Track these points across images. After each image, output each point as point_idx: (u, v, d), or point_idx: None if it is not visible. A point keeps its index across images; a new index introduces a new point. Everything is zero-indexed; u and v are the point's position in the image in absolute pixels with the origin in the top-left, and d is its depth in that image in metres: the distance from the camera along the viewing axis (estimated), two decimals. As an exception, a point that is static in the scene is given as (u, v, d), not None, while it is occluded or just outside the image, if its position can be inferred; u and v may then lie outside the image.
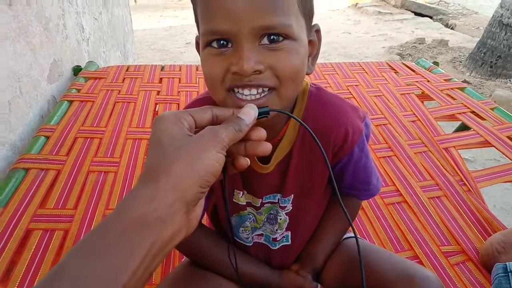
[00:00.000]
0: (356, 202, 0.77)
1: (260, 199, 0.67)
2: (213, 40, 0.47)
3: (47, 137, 1.30)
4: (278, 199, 0.67)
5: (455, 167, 1.27)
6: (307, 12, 0.52)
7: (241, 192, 0.66)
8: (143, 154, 1.28)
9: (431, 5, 6.44)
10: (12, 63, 1.31)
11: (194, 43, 0.57)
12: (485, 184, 1.22)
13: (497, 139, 1.39)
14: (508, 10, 3.37)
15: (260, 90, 0.48)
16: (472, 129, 1.46)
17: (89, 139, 1.32)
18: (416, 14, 6.21)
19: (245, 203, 0.68)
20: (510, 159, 1.30)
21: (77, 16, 1.94)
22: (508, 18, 3.37)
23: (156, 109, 1.55)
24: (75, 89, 1.59)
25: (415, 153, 1.34)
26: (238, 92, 0.48)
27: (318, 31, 0.56)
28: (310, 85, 0.63)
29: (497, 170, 1.26)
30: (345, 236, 0.79)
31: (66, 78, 1.75)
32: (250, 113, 0.45)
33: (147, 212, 0.35)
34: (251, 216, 0.70)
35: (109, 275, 0.32)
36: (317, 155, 0.62)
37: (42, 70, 1.53)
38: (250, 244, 0.73)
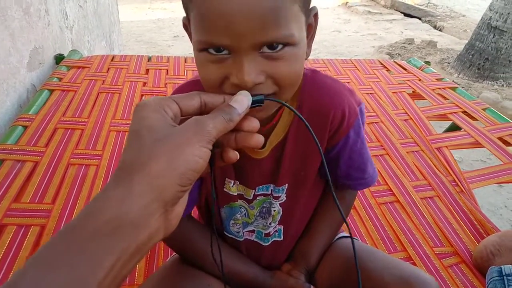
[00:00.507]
0: (351, 195, 0.74)
1: (253, 190, 0.64)
2: (205, 48, 0.44)
3: (25, 127, 1.23)
4: (272, 190, 0.64)
5: (448, 167, 1.25)
6: (307, 6, 0.48)
7: (232, 181, 0.63)
8: (127, 147, 1.22)
9: (420, 7, 6.48)
10: (-12, 47, 1.23)
11: (182, 27, 0.52)
12: (477, 185, 1.20)
13: (488, 140, 1.38)
14: (497, 13, 3.40)
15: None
16: (463, 130, 1.44)
17: (70, 130, 1.25)
18: (405, 15, 6.24)
19: (236, 194, 0.64)
20: (501, 161, 1.29)
21: (60, 2, 1.86)
22: (497, 21, 3.39)
23: (142, 101, 1.49)
24: (57, 77, 1.52)
25: (408, 152, 1.31)
26: None
27: (316, 15, 0.52)
28: (305, 69, 0.60)
29: (490, 171, 1.25)
30: (338, 236, 0.76)
31: (47, 66, 1.67)
32: (243, 101, 0.41)
33: (119, 215, 0.31)
34: (242, 210, 0.66)
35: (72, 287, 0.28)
36: (312, 140, 0.59)
37: (21, 57, 1.45)
38: (241, 240, 0.69)
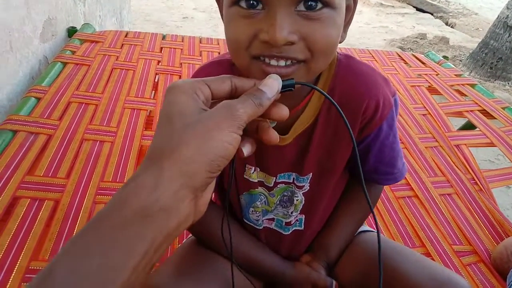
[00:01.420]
0: (378, 189, 0.71)
1: (274, 178, 0.61)
2: None
3: (38, 99, 1.19)
4: (294, 178, 0.61)
5: (467, 165, 1.23)
6: None
7: (253, 168, 0.60)
8: (141, 126, 1.19)
9: (432, 2, 6.39)
10: (3, 14, 1.19)
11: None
12: (496, 184, 1.18)
13: (502, 141, 1.35)
14: (514, 12, 3.34)
15: (289, 62, 0.43)
16: (477, 129, 1.42)
17: (84, 104, 1.22)
18: (418, 9, 6.16)
19: (256, 181, 0.62)
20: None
21: (75, -27, 1.81)
22: (514, 20, 3.34)
23: (156, 80, 1.45)
24: (70, 50, 1.48)
25: (426, 148, 1.29)
26: (265, 60, 0.43)
27: None
28: (338, 53, 0.57)
29: (510, 171, 1.22)
30: (362, 229, 0.74)
31: (59, 39, 1.63)
32: (273, 85, 0.38)
33: (150, 203, 0.30)
34: (262, 197, 0.64)
35: (105, 276, 0.28)
36: (342, 129, 0.56)
37: (35, 27, 1.41)
38: (260, 228, 0.67)
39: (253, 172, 0.61)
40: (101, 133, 1.13)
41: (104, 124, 1.16)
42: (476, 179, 1.18)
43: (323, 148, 0.59)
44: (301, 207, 0.65)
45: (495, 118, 1.48)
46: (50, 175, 0.96)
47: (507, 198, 2.14)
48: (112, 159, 1.05)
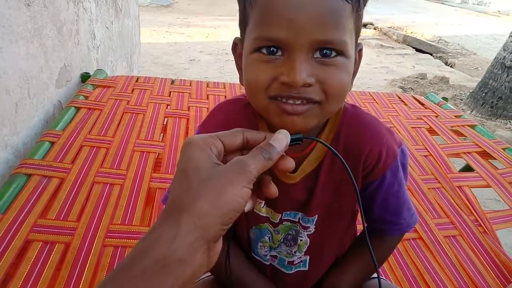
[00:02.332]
0: (390, 240, 0.70)
1: (280, 215, 0.63)
2: (264, 46, 0.46)
3: (52, 143, 1.24)
4: (299, 218, 0.63)
5: (470, 206, 1.24)
6: (358, 31, 0.51)
7: (263, 202, 0.62)
8: (150, 168, 1.23)
9: (431, 43, 6.59)
10: (23, 63, 1.26)
11: (232, 47, 0.57)
12: (500, 226, 1.19)
13: (499, 184, 1.36)
14: (511, 53, 3.44)
15: (304, 102, 0.47)
16: (475, 171, 1.43)
17: (95, 148, 1.27)
18: (417, 50, 6.34)
19: (265, 215, 0.64)
20: (510, 206, 1.26)
21: (90, 23, 1.92)
22: (511, 61, 3.43)
23: (165, 122, 1.51)
24: (83, 95, 1.55)
25: (429, 189, 1.31)
26: (282, 99, 0.47)
27: (360, 51, 0.54)
28: (345, 103, 0.61)
29: (512, 212, 1.23)
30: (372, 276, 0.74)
31: (73, 84, 1.71)
32: (282, 140, 0.42)
33: (168, 254, 0.34)
34: (268, 233, 0.66)
35: None
36: (347, 174, 0.59)
37: (51, 74, 1.49)
38: (267, 263, 0.68)
39: (262, 206, 0.63)
40: (111, 176, 1.16)
41: (115, 167, 1.20)
42: (480, 221, 1.19)
43: (330, 190, 0.61)
44: (305, 248, 0.66)
45: (495, 159, 1.51)
46: (61, 218, 0.99)
47: (514, 238, 2.11)
48: (122, 201, 1.08)
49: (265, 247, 0.67)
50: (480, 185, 1.37)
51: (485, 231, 1.16)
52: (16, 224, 0.93)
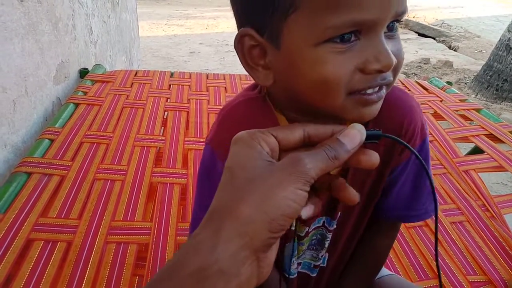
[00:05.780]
0: (396, 229, 0.68)
1: (307, 228, 0.58)
2: (337, 35, 0.37)
3: (52, 140, 1.23)
4: (324, 221, 0.59)
5: (477, 191, 1.22)
6: None
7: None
8: (151, 163, 1.22)
9: (434, 27, 6.49)
10: (20, 61, 1.25)
11: (235, 41, 0.44)
12: (508, 210, 1.17)
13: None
14: (515, 34, 3.38)
15: (377, 88, 0.41)
16: (485, 153, 1.41)
17: (95, 144, 1.26)
18: (420, 34, 6.26)
19: (292, 228, 0.60)
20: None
21: (86, 18, 1.90)
22: (516, 42, 3.37)
23: (165, 116, 1.49)
24: (82, 91, 1.54)
25: (434, 175, 1.29)
26: (361, 92, 0.40)
27: None
28: None
29: (521, 196, 1.21)
30: (381, 274, 0.72)
31: (72, 80, 1.69)
32: (355, 137, 0.34)
33: (207, 264, 0.29)
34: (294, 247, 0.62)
35: None
36: (372, 171, 0.54)
37: (49, 70, 1.48)
38: (294, 276, 0.64)
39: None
40: (112, 172, 1.15)
41: (115, 163, 1.19)
42: (487, 205, 1.17)
43: (356, 188, 0.58)
44: (327, 245, 0.62)
45: (503, 142, 1.48)
46: (63, 216, 0.98)
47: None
48: (123, 197, 1.07)
49: (295, 264, 0.63)
50: (488, 167, 1.34)
51: (492, 216, 1.14)
52: (17, 224, 0.92)
